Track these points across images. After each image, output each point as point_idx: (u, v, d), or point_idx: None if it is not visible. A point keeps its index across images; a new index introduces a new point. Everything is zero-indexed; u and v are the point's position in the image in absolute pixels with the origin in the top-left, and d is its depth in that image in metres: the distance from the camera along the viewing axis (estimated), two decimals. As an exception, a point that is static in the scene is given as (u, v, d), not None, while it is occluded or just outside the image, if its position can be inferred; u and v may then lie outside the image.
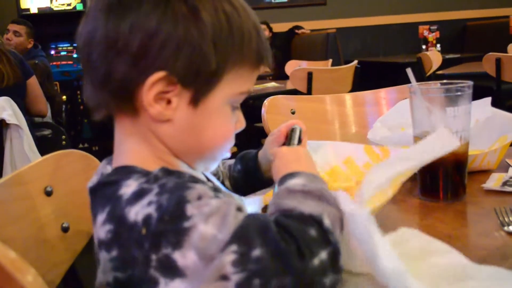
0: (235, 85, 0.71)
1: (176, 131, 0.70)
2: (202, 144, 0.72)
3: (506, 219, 0.81)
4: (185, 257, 0.57)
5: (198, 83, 0.68)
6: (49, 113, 3.82)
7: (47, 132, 3.50)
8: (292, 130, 0.87)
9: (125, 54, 0.65)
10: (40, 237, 0.94)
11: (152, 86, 0.66)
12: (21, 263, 0.52)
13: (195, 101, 0.68)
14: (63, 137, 3.53)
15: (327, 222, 0.61)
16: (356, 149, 0.94)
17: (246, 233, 0.57)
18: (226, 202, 0.61)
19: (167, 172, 0.66)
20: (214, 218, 0.58)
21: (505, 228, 0.78)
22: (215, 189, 0.64)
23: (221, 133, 0.73)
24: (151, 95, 0.66)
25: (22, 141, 2.74)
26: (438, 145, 0.75)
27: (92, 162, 1.05)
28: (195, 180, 0.65)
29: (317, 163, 0.91)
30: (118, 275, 0.63)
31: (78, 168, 1.03)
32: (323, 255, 0.58)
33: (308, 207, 0.62)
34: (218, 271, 0.56)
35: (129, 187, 0.64)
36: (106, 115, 0.72)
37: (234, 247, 0.56)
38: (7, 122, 2.69)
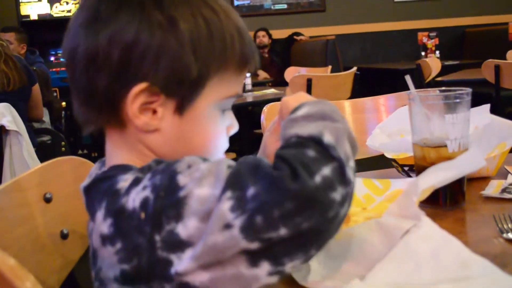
0: (220, 90, 0.70)
1: (165, 140, 0.70)
2: (192, 151, 0.71)
3: (505, 226, 0.80)
4: (186, 227, 0.57)
5: (182, 91, 0.67)
6: (48, 119, 3.82)
7: (46, 138, 3.50)
8: None
9: (106, 68, 0.66)
10: (39, 244, 0.93)
11: (135, 98, 0.66)
12: (20, 270, 0.52)
13: (180, 109, 0.68)
14: (63, 143, 3.53)
15: (328, 138, 0.60)
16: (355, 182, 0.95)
17: (238, 177, 0.57)
18: (216, 163, 0.61)
19: (160, 162, 0.66)
20: (207, 179, 0.58)
21: (504, 235, 0.78)
22: (205, 159, 0.64)
23: (211, 138, 0.73)
24: (135, 107, 0.66)
25: (22, 148, 2.74)
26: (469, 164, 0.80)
27: (92, 168, 1.05)
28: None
29: None
30: (125, 268, 0.62)
31: (78, 174, 1.03)
32: (326, 171, 0.57)
33: (307, 129, 0.61)
34: (220, 222, 0.56)
35: (126, 181, 0.64)
36: (96, 129, 0.73)
37: (228, 194, 0.56)
38: (7, 128, 2.69)
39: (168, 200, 0.59)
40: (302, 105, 0.68)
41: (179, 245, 0.58)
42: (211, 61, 0.68)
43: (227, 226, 0.55)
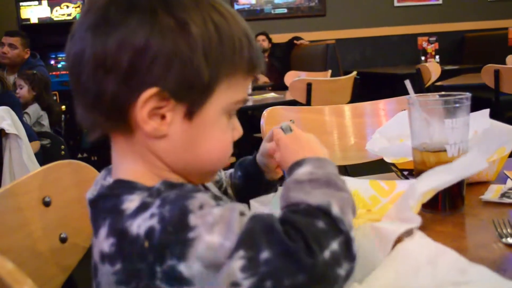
0: (229, 95, 0.70)
1: (173, 146, 0.69)
2: (200, 157, 0.71)
3: (504, 231, 0.80)
4: (190, 268, 0.58)
5: (192, 96, 0.67)
6: (47, 123, 3.82)
7: (46, 142, 3.50)
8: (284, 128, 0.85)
9: (114, 73, 0.64)
10: (38, 248, 0.93)
11: (145, 103, 0.65)
12: (18, 274, 0.52)
13: (189, 114, 0.68)
14: (62, 147, 3.53)
15: (335, 210, 0.61)
16: (362, 184, 0.95)
17: (252, 236, 0.57)
18: (229, 209, 0.61)
19: (169, 185, 0.65)
20: (219, 226, 0.58)
21: (503, 240, 0.78)
22: (217, 198, 0.64)
23: (219, 144, 0.72)
24: (144, 112, 0.65)
25: (21, 151, 2.74)
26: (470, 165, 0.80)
27: (91, 172, 1.05)
28: (197, 189, 0.65)
29: None
30: None
31: (77, 178, 1.03)
32: (334, 245, 0.58)
33: (315, 197, 0.62)
34: (229, 278, 0.56)
35: (132, 202, 0.63)
36: (102, 135, 0.71)
37: (241, 253, 0.56)
38: (6, 131, 2.69)
39: (176, 237, 0.58)
40: (304, 162, 0.70)
41: (179, 280, 0.58)
42: (221, 66, 0.67)
43: (235, 284, 0.56)
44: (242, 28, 0.71)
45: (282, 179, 0.92)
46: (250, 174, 0.94)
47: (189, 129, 0.68)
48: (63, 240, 0.98)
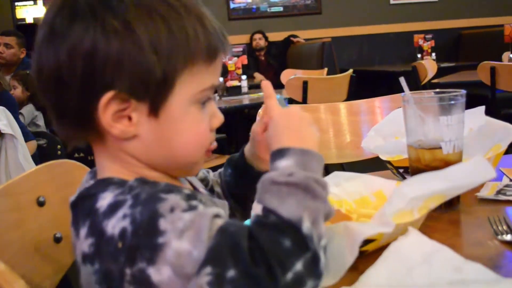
0: (193, 84, 0.69)
1: (146, 145, 0.69)
2: (175, 151, 0.71)
3: (500, 228, 0.80)
4: (159, 273, 0.58)
5: (150, 93, 0.66)
6: (43, 123, 3.81)
7: (42, 142, 3.49)
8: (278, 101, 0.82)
9: (72, 83, 0.65)
10: (33, 248, 0.93)
11: (106, 107, 0.65)
12: (9, 274, 0.52)
13: (154, 111, 0.67)
14: (59, 146, 3.51)
15: (306, 226, 0.60)
16: (388, 184, 0.94)
17: (219, 253, 0.57)
18: (200, 214, 0.60)
19: (142, 181, 0.65)
20: (188, 233, 0.58)
21: (499, 237, 0.78)
22: (190, 196, 0.63)
23: (193, 135, 0.71)
24: (108, 116, 0.66)
25: (17, 151, 2.73)
26: (475, 173, 0.75)
27: (85, 172, 1.04)
28: (170, 189, 0.64)
29: (347, 191, 0.92)
30: None
31: (72, 178, 1.03)
32: (298, 266, 0.58)
33: (288, 208, 0.61)
34: None
35: (104, 200, 0.64)
36: (82, 142, 0.72)
37: (208, 269, 0.56)
38: (2, 132, 2.68)
39: (146, 241, 0.59)
40: (288, 153, 0.68)
41: (146, 285, 0.58)
42: (175, 58, 0.66)
43: None
44: (194, 14, 0.69)
45: None
46: (239, 170, 0.92)
47: (158, 126, 0.68)
48: (57, 240, 0.98)
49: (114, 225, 0.61)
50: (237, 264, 0.56)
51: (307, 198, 0.63)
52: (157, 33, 0.65)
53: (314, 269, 0.59)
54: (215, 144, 0.77)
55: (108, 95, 0.65)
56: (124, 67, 0.64)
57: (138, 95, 0.66)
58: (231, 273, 0.56)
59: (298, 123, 0.75)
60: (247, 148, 0.91)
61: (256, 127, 0.86)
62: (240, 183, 0.92)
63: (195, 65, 0.69)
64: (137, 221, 0.60)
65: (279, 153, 0.69)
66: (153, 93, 0.66)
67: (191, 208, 0.61)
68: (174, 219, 0.59)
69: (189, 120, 0.70)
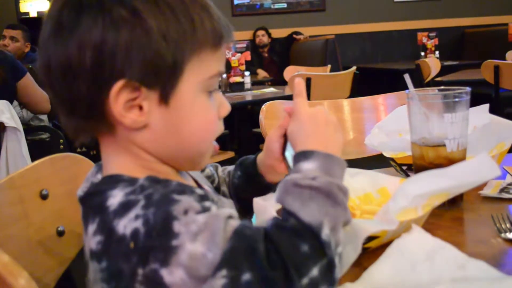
0: (201, 71, 0.69)
1: (156, 135, 0.69)
2: (185, 140, 0.70)
3: (503, 226, 0.80)
4: (172, 274, 0.57)
5: (161, 81, 0.67)
6: (46, 117, 3.82)
7: (45, 136, 3.49)
8: None
9: (82, 74, 0.65)
10: (35, 241, 0.93)
11: (117, 97, 0.65)
12: (13, 266, 0.52)
13: (164, 99, 0.67)
14: (61, 140, 3.51)
15: (325, 232, 0.60)
16: (392, 181, 0.94)
17: (235, 256, 0.57)
18: (213, 216, 0.60)
19: (153, 180, 0.65)
20: (202, 235, 0.58)
21: (502, 235, 0.78)
22: (203, 197, 0.63)
23: (202, 123, 0.71)
24: (119, 106, 0.66)
25: (20, 144, 2.74)
26: (479, 171, 0.75)
27: (89, 166, 1.04)
28: (183, 189, 0.64)
29: (351, 187, 0.92)
30: (104, 287, 0.63)
31: (74, 171, 1.03)
32: (314, 271, 0.58)
33: (309, 212, 0.62)
34: None
35: (115, 198, 0.64)
36: (88, 138, 0.72)
37: (224, 272, 0.56)
38: (6, 125, 2.68)
39: (159, 243, 0.58)
40: (312, 156, 0.69)
41: (158, 286, 0.58)
42: (183, 44, 0.67)
43: None
44: (199, 3, 0.70)
45: None
46: (249, 175, 0.93)
47: (168, 114, 0.68)
48: (60, 233, 0.98)
49: (125, 225, 0.60)
50: (253, 268, 0.57)
51: (328, 204, 0.63)
52: (164, 20, 0.66)
53: (329, 275, 0.60)
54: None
55: (119, 83, 0.65)
56: (134, 54, 0.64)
57: (149, 82, 0.66)
58: (246, 276, 0.56)
59: (325, 127, 0.75)
60: (260, 158, 0.91)
61: (272, 134, 0.86)
62: (247, 189, 0.92)
63: (202, 52, 0.69)
64: (151, 222, 0.59)
65: (304, 155, 0.69)
66: (163, 80, 0.67)
67: (205, 209, 0.61)
68: (188, 222, 0.59)
69: (198, 107, 0.70)
